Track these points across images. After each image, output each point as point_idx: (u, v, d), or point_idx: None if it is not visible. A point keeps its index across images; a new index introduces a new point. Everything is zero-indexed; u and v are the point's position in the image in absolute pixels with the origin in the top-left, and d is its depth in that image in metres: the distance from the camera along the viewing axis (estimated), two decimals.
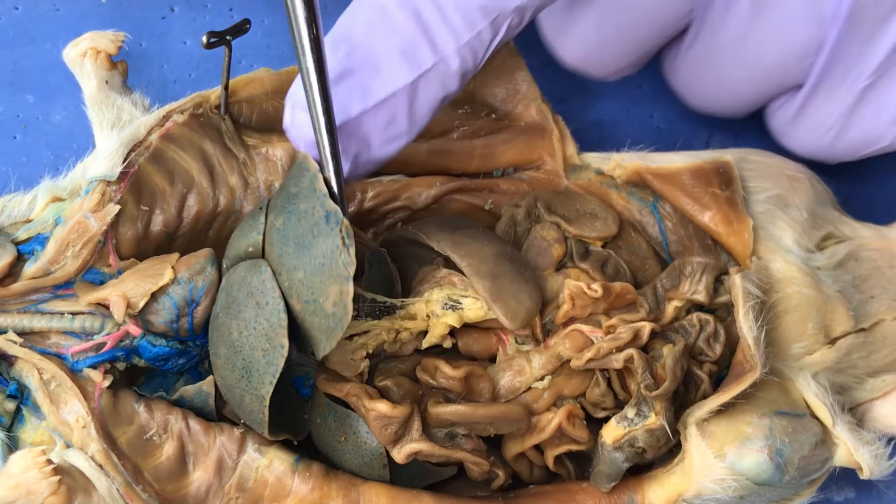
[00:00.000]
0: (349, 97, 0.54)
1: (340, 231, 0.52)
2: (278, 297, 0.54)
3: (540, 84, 0.69)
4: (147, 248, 0.60)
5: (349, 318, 0.52)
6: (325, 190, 0.54)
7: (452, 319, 0.57)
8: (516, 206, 0.63)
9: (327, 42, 0.54)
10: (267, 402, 0.54)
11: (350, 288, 0.52)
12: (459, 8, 0.52)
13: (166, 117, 0.62)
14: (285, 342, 0.53)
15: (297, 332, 0.54)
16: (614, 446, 0.58)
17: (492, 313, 0.57)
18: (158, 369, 0.59)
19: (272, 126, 0.64)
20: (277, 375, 0.54)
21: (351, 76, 0.53)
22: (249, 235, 0.56)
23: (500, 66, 0.69)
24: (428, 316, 0.58)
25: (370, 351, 0.57)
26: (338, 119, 0.53)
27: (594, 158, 0.67)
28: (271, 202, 0.56)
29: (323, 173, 0.54)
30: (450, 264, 0.59)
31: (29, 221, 0.60)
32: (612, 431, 0.58)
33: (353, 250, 0.52)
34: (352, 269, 0.52)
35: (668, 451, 0.60)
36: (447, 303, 0.58)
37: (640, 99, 0.75)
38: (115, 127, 0.61)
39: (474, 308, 0.58)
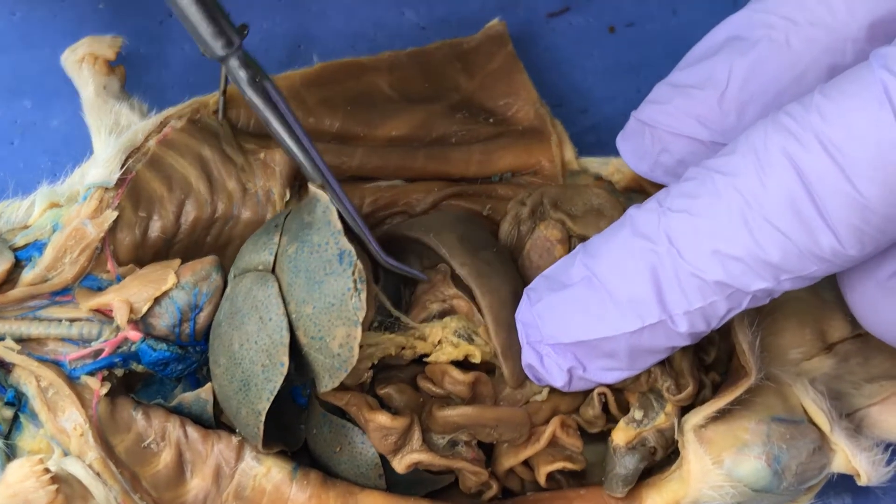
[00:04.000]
0: (575, 315, 0.53)
1: (353, 273, 0.53)
2: (282, 314, 0.54)
3: (538, 87, 0.69)
4: (145, 255, 0.60)
5: (354, 362, 0.53)
6: (339, 226, 0.54)
7: (476, 352, 0.58)
8: (521, 203, 0.62)
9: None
10: (262, 418, 0.54)
11: (358, 332, 0.52)
12: (695, 276, 0.49)
13: (164, 123, 0.62)
14: (285, 360, 0.53)
15: (300, 360, 0.55)
16: (627, 448, 0.58)
17: (495, 360, 0.58)
18: (156, 375, 0.59)
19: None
20: (275, 392, 0.54)
21: (583, 301, 0.53)
22: (261, 253, 0.56)
23: (499, 70, 0.69)
24: (440, 342, 0.58)
25: (375, 362, 0.57)
26: (558, 332, 0.54)
27: (593, 163, 0.67)
28: (286, 222, 0.56)
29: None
30: (456, 277, 0.59)
31: (26, 227, 0.60)
32: (622, 433, 0.58)
33: (364, 295, 0.53)
34: (361, 315, 0.52)
35: (666, 456, 0.60)
36: (463, 334, 0.58)
37: (638, 102, 0.74)
38: (112, 132, 0.61)
39: (483, 349, 0.58)
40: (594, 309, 0.52)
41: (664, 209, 0.50)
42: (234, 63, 0.55)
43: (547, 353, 0.55)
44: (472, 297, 0.59)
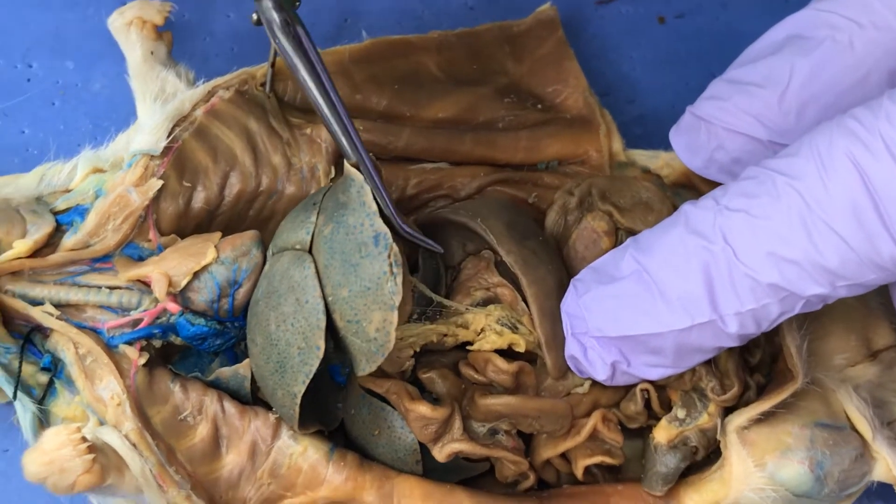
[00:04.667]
0: (623, 309, 0.52)
1: (389, 257, 0.52)
2: (319, 296, 0.53)
3: (586, 76, 0.68)
4: (187, 225, 0.59)
5: (391, 346, 0.52)
6: (374, 207, 0.53)
7: (520, 341, 0.57)
8: (570, 193, 0.61)
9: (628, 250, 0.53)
10: (298, 401, 0.53)
11: (394, 317, 0.52)
12: (749, 277, 0.48)
13: (211, 93, 0.61)
14: (322, 344, 0.53)
15: (338, 341, 0.54)
16: (669, 446, 0.57)
17: (538, 350, 0.57)
18: (194, 348, 0.58)
19: None
20: (311, 375, 0.53)
21: (632, 296, 0.52)
22: (299, 232, 0.55)
23: (549, 56, 0.68)
24: (483, 329, 0.57)
25: (417, 350, 0.56)
26: (605, 325, 0.53)
27: (641, 156, 0.66)
28: (323, 201, 0.55)
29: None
30: (500, 264, 0.58)
31: (68, 191, 0.59)
32: (664, 432, 0.58)
33: (400, 279, 0.52)
34: (398, 299, 0.52)
35: (706, 456, 0.59)
36: (507, 323, 0.57)
37: (686, 96, 0.73)
38: (158, 99, 0.61)
39: (527, 338, 0.57)
40: (643, 304, 0.52)
41: (721, 207, 0.50)
42: (267, 3, 0.53)
43: (591, 346, 0.54)
44: (517, 286, 0.58)
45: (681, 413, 0.58)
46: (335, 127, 0.55)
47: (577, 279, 0.56)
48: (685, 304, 0.50)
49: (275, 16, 0.54)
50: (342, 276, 0.53)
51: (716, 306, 0.50)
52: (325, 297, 0.53)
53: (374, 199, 0.54)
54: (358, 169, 0.55)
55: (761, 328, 0.51)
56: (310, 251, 0.55)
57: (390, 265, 0.52)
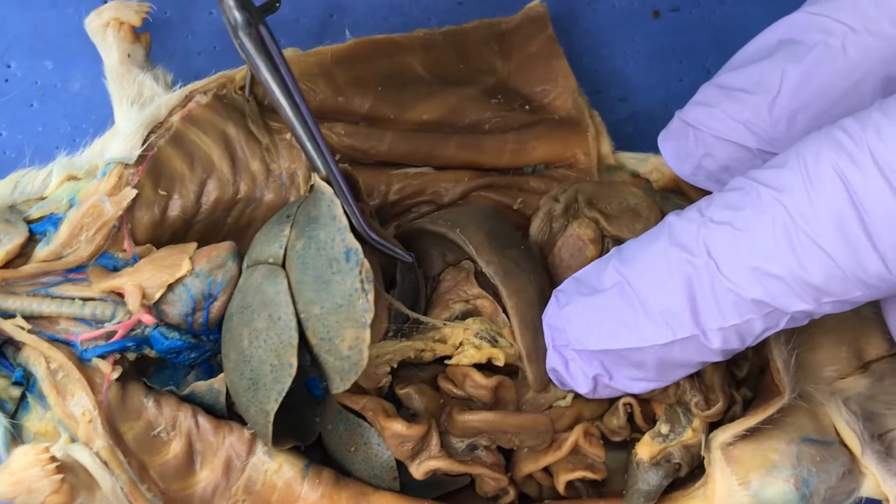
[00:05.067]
0: (604, 323, 0.51)
1: (360, 273, 0.51)
2: (291, 313, 0.52)
3: (577, 73, 0.66)
4: (163, 234, 0.58)
5: (364, 364, 0.51)
6: (344, 222, 0.52)
7: (499, 355, 0.56)
8: (555, 199, 0.60)
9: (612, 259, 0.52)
10: (271, 419, 0.53)
11: (367, 335, 0.51)
12: (732, 292, 0.47)
13: (188, 98, 0.59)
14: (294, 361, 0.52)
15: (313, 356, 0.53)
16: (651, 463, 0.56)
17: (519, 363, 0.56)
18: (169, 361, 0.57)
19: None
20: (284, 394, 0.52)
21: (614, 309, 0.51)
22: (272, 245, 0.54)
23: (538, 54, 0.67)
24: (461, 343, 0.56)
25: (394, 366, 0.55)
26: (585, 338, 0.52)
27: (630, 159, 0.65)
28: (297, 213, 0.54)
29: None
30: (481, 275, 0.57)
31: (42, 199, 0.58)
32: (647, 448, 0.57)
33: (371, 295, 0.51)
34: (369, 317, 0.51)
35: (689, 473, 0.58)
36: (486, 336, 0.56)
37: (680, 93, 0.73)
38: (135, 103, 0.59)
39: (507, 351, 0.56)
40: (624, 317, 0.51)
41: (705, 219, 0.48)
42: (228, 2, 0.52)
43: (572, 358, 0.53)
44: (497, 297, 0.57)
45: (664, 429, 0.57)
46: (302, 135, 0.54)
47: (559, 290, 0.54)
48: (667, 318, 0.49)
49: (237, 15, 0.52)
50: (314, 293, 0.52)
51: (698, 321, 0.49)
52: (297, 314, 0.52)
53: (345, 212, 0.53)
54: (328, 181, 0.54)
55: (745, 343, 0.49)
56: (283, 266, 0.53)
57: (361, 282, 0.51)
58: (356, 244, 0.51)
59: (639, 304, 0.50)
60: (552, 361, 0.54)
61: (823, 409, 0.58)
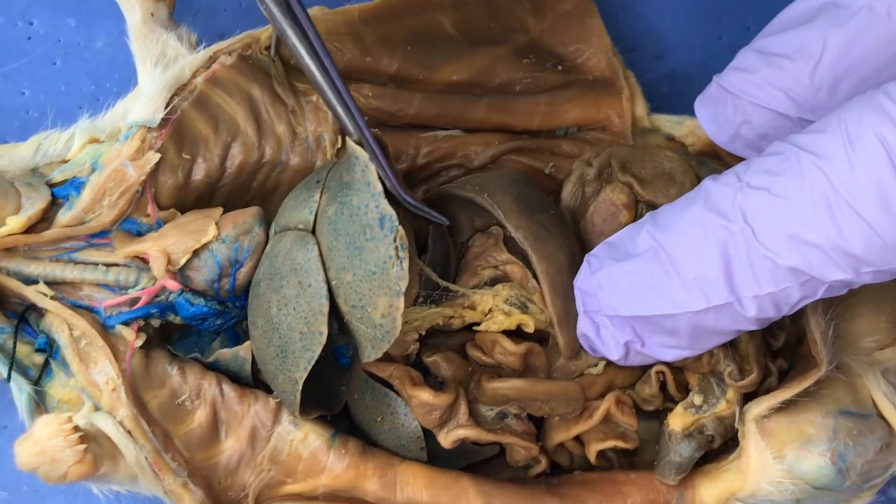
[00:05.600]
0: (637, 288, 0.50)
1: (395, 240, 0.49)
2: (322, 280, 0.51)
3: (612, 30, 0.65)
4: (187, 198, 0.57)
5: (397, 333, 0.50)
6: (379, 187, 0.51)
7: (528, 321, 0.55)
8: (588, 163, 0.59)
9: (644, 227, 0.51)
10: (300, 387, 0.52)
11: (401, 303, 0.50)
12: (769, 259, 0.46)
13: (213, 58, 0.58)
14: (324, 329, 0.51)
15: (342, 324, 0.52)
16: (684, 434, 0.55)
17: (550, 329, 0.54)
18: (194, 328, 0.57)
19: None
20: (313, 362, 0.51)
21: (647, 274, 0.50)
22: (301, 211, 0.53)
23: (571, 12, 0.65)
24: (490, 310, 0.55)
25: (422, 333, 0.54)
26: (617, 303, 0.51)
27: (665, 122, 0.63)
28: (327, 178, 0.53)
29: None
30: (510, 240, 0.56)
31: (65, 162, 0.57)
32: (679, 419, 0.56)
33: (406, 263, 0.49)
34: (404, 284, 0.49)
35: (723, 443, 0.57)
36: (516, 302, 0.55)
37: (719, 52, 0.71)
38: (158, 64, 0.58)
39: (538, 317, 0.55)
40: (658, 283, 0.49)
41: (742, 184, 0.47)
42: None
43: (604, 324, 0.52)
44: (527, 263, 0.55)
45: (697, 399, 0.56)
46: (332, 98, 0.53)
47: (591, 254, 0.53)
48: (701, 284, 0.48)
49: None
50: (346, 260, 0.51)
51: (733, 288, 0.47)
52: (328, 281, 0.51)
53: (379, 177, 0.51)
54: (359, 145, 0.52)
55: (781, 312, 0.48)
56: (313, 232, 0.52)
57: (396, 249, 0.50)
58: (391, 210, 0.50)
59: (673, 270, 0.49)
60: (583, 327, 0.53)
61: (861, 381, 0.57)
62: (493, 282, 0.56)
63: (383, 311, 0.50)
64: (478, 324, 0.56)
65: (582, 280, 0.53)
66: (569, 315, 0.54)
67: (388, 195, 0.52)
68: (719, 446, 0.57)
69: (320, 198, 0.52)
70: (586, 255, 0.54)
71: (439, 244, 0.56)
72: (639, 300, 0.50)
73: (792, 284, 0.46)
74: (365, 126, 0.53)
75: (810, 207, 0.44)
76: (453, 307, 0.55)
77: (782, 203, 0.45)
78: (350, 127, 0.53)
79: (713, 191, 0.48)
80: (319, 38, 0.52)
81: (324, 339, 0.51)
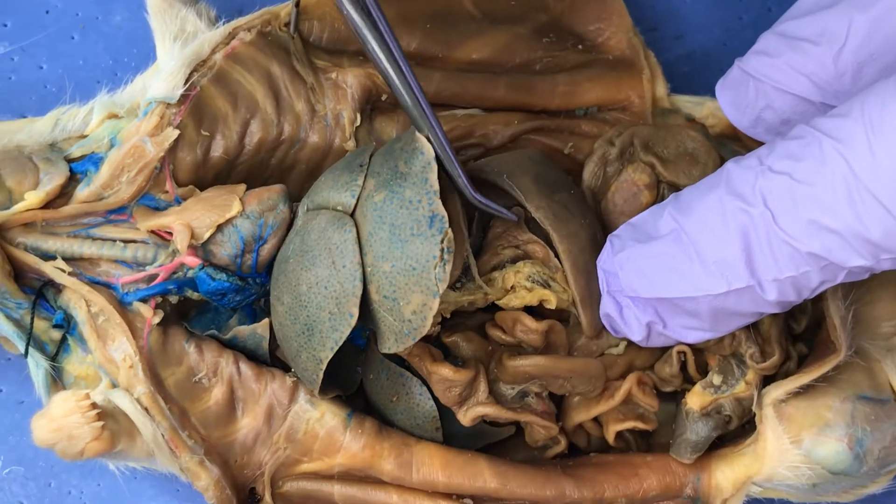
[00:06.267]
0: (659, 271, 0.50)
1: (442, 242, 0.49)
2: (357, 263, 0.50)
3: (632, 9, 0.64)
4: (206, 175, 0.57)
5: (425, 332, 0.50)
6: (436, 187, 0.50)
7: (550, 297, 0.54)
8: (610, 142, 0.58)
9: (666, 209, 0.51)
10: (324, 367, 0.52)
11: (436, 304, 0.49)
12: (787, 244, 0.46)
13: (232, 35, 0.58)
14: (355, 311, 0.50)
15: (365, 309, 0.51)
16: (701, 413, 0.55)
17: (572, 308, 0.54)
18: (211, 304, 0.57)
19: (343, 47, 0.60)
20: (340, 342, 0.51)
21: (668, 257, 0.49)
22: (342, 193, 0.52)
23: None
24: (512, 287, 0.55)
25: (447, 316, 0.54)
26: (638, 285, 0.51)
27: (685, 102, 0.63)
28: (373, 163, 0.53)
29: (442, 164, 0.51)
30: (531, 221, 0.55)
31: (83, 137, 0.57)
32: (698, 398, 0.56)
33: (449, 266, 0.49)
34: (442, 287, 0.49)
35: (740, 427, 0.57)
36: (538, 279, 0.54)
37: (739, 32, 0.70)
38: (177, 39, 0.58)
39: (561, 296, 0.54)
40: (679, 266, 0.49)
41: (764, 168, 0.46)
42: None
43: (626, 305, 0.52)
44: (549, 243, 0.55)
45: (717, 379, 0.55)
46: (403, 93, 0.52)
47: (613, 235, 0.53)
48: (722, 268, 0.48)
49: None
50: (387, 249, 0.50)
51: (753, 272, 0.47)
52: (363, 266, 0.51)
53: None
54: (428, 140, 0.52)
55: (802, 296, 0.48)
56: (352, 215, 0.52)
57: (442, 251, 0.49)
58: (443, 212, 0.50)
59: (694, 253, 0.49)
60: (606, 307, 0.53)
61: (879, 366, 0.57)
62: (514, 261, 0.56)
63: (415, 307, 0.50)
64: (497, 306, 0.55)
65: (605, 260, 0.53)
66: (591, 294, 0.54)
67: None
68: (736, 430, 0.57)
69: (364, 182, 0.52)
70: (609, 235, 0.53)
71: (479, 233, 0.56)
72: (660, 283, 0.50)
73: (812, 269, 0.46)
74: (437, 123, 0.52)
75: (830, 193, 0.44)
76: (475, 293, 0.55)
77: (803, 188, 0.45)
78: (420, 122, 0.52)
79: (735, 174, 0.48)
80: (392, 32, 0.52)
81: (353, 322, 0.51)
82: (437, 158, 0.51)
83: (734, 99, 0.57)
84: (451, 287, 0.54)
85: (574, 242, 0.54)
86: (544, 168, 0.57)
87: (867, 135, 0.43)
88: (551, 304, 0.55)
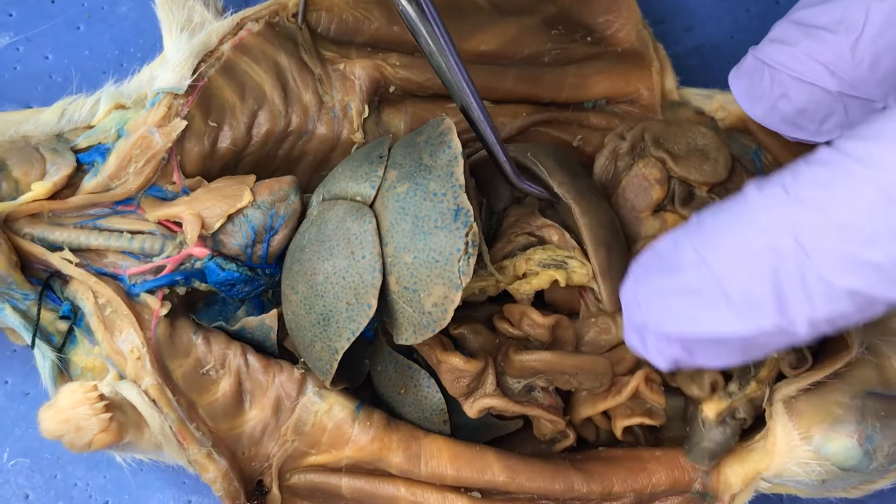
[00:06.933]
0: (685, 308, 0.46)
1: (467, 235, 0.49)
2: (377, 254, 0.50)
3: (641, 2, 0.63)
4: (213, 166, 0.57)
5: (445, 324, 0.50)
6: (462, 181, 0.50)
7: (560, 276, 0.54)
8: (621, 137, 0.58)
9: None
10: (339, 357, 0.51)
11: (457, 297, 0.49)
12: (823, 281, 0.42)
13: (240, 25, 0.57)
14: (374, 303, 0.50)
15: (382, 302, 0.51)
16: (717, 420, 0.55)
17: (592, 283, 0.54)
18: (219, 295, 0.56)
19: (351, 38, 0.60)
20: (357, 333, 0.50)
21: (692, 293, 0.46)
22: (361, 184, 0.52)
23: None
24: (525, 274, 0.54)
25: (458, 304, 0.54)
26: (664, 321, 0.47)
27: (695, 95, 0.62)
28: (393, 155, 0.52)
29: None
30: (543, 208, 0.55)
31: (90, 128, 0.57)
32: (714, 405, 0.55)
33: (473, 260, 0.49)
34: (465, 280, 0.49)
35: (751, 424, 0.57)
36: (552, 263, 0.54)
37: (747, 24, 0.70)
38: (185, 30, 0.57)
39: (580, 272, 0.54)
40: (705, 303, 0.45)
41: (791, 198, 0.43)
42: None
43: (650, 338, 0.49)
44: (564, 226, 0.55)
45: (733, 386, 0.55)
46: (463, 101, 0.52)
47: (637, 264, 0.49)
48: (750, 307, 0.44)
49: None
50: (409, 241, 0.50)
51: (784, 311, 0.43)
52: (383, 256, 0.51)
53: (465, 173, 0.51)
54: (479, 137, 0.52)
55: (836, 327, 0.44)
56: (371, 206, 0.52)
57: (466, 244, 0.49)
58: (469, 206, 0.49)
59: (719, 290, 0.45)
60: (630, 339, 0.50)
61: (889, 362, 0.56)
62: (526, 248, 0.56)
63: (436, 300, 0.50)
64: (507, 296, 0.55)
65: (626, 292, 0.50)
66: (611, 267, 0.54)
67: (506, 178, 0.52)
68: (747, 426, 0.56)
69: (385, 173, 0.52)
70: (632, 264, 0.50)
71: (485, 219, 0.56)
72: (686, 320, 0.46)
73: (848, 306, 0.43)
74: (489, 122, 0.52)
75: (868, 224, 0.41)
76: (487, 279, 0.54)
77: (836, 219, 0.41)
78: (470, 112, 0.52)
79: (759, 204, 0.44)
80: (447, 33, 0.51)
81: (372, 312, 0.50)
82: (487, 146, 0.52)
83: (748, 88, 0.57)
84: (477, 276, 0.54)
85: (594, 218, 0.54)
86: (564, 156, 0.56)
87: None
88: (562, 283, 0.54)
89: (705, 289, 0.45)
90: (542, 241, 0.56)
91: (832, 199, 0.41)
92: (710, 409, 0.55)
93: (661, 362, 0.49)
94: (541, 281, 0.54)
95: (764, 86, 0.56)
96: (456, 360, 0.53)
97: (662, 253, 0.48)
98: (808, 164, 0.43)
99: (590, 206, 0.54)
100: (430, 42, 0.51)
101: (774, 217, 0.43)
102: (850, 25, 0.52)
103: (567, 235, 0.55)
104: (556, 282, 0.55)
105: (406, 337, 0.51)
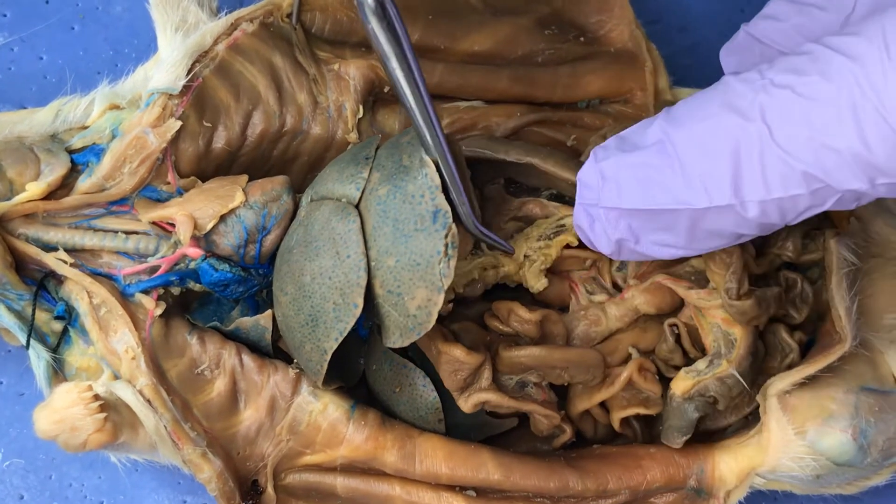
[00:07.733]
0: (639, 181, 0.48)
1: (446, 237, 0.49)
2: (361, 253, 0.50)
3: (634, 1, 0.64)
4: (207, 167, 0.57)
5: (430, 327, 0.50)
6: (437, 181, 0.50)
7: (570, 237, 0.55)
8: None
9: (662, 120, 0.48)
10: (328, 357, 0.51)
11: (440, 300, 0.49)
12: (782, 161, 0.44)
13: (234, 25, 0.57)
14: (360, 302, 0.50)
15: (368, 303, 0.51)
16: (684, 397, 0.55)
17: None
18: (214, 295, 0.56)
19: (346, 38, 0.60)
20: (345, 333, 0.51)
21: (651, 168, 0.47)
22: (346, 185, 0.52)
23: None
24: (526, 255, 0.54)
25: (460, 291, 0.54)
26: (618, 195, 0.48)
27: (688, 95, 0.62)
28: (379, 156, 0.52)
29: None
30: (510, 190, 0.56)
31: (85, 128, 0.57)
32: (680, 383, 0.55)
33: (454, 262, 0.49)
34: (447, 282, 0.49)
35: (743, 418, 0.57)
36: (549, 233, 0.54)
37: (740, 24, 0.70)
38: (179, 30, 0.58)
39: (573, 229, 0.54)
40: (661, 177, 0.47)
41: (765, 81, 0.44)
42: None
43: (598, 217, 0.50)
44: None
45: (702, 364, 0.55)
46: (419, 119, 0.51)
47: (599, 147, 0.51)
48: (706, 182, 0.46)
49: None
50: (391, 244, 0.50)
51: (738, 190, 0.45)
52: (368, 258, 0.51)
53: (442, 179, 0.51)
54: (436, 163, 0.51)
55: (785, 220, 0.46)
56: (357, 205, 0.52)
57: (446, 246, 0.49)
58: (447, 206, 0.49)
59: (678, 166, 0.46)
60: (578, 218, 0.51)
61: (882, 358, 0.57)
62: (517, 232, 0.56)
63: (420, 303, 0.50)
64: (507, 286, 0.56)
65: (584, 171, 0.51)
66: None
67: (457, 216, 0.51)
68: (740, 421, 0.57)
69: (370, 175, 0.52)
70: (594, 147, 0.51)
71: (487, 207, 0.57)
72: (639, 193, 0.48)
73: (802, 191, 0.44)
74: (446, 144, 0.51)
75: (834, 111, 0.42)
76: (486, 257, 0.55)
77: (805, 104, 0.43)
78: (431, 146, 0.51)
79: (732, 87, 0.46)
80: (413, 51, 0.50)
81: (358, 312, 0.50)
82: (443, 178, 0.51)
83: (739, 63, 0.56)
84: (462, 258, 0.54)
85: (556, 156, 0.55)
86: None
87: (881, 54, 0.41)
88: (574, 243, 0.55)
89: (664, 163, 0.47)
90: (528, 221, 0.56)
91: (805, 84, 0.43)
92: (678, 387, 0.55)
93: (606, 245, 0.50)
94: (553, 250, 0.55)
95: (755, 62, 0.55)
96: (457, 352, 0.53)
97: (628, 135, 0.49)
98: (788, 55, 0.45)
99: (548, 151, 0.55)
100: (396, 66, 0.50)
101: (746, 98, 0.45)
102: (840, 4, 0.52)
103: (544, 202, 0.56)
104: (549, 276, 0.55)
105: (394, 340, 0.51)
